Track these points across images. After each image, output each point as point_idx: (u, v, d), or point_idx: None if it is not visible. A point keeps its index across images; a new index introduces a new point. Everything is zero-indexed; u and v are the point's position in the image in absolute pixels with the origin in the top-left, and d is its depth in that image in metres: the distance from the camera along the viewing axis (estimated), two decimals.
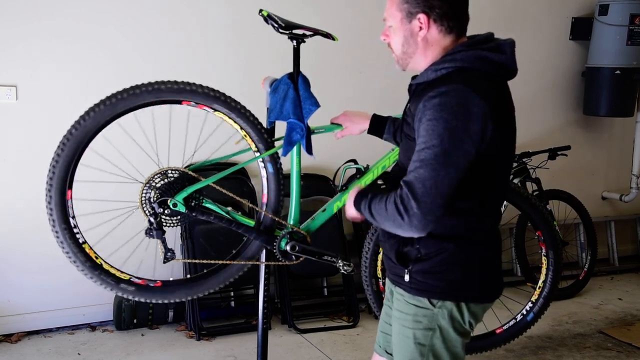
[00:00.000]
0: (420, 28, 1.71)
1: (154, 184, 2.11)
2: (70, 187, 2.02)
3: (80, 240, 2.06)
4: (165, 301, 2.21)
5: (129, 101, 2.01)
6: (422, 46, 1.74)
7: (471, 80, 1.62)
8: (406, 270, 1.77)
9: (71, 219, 2.04)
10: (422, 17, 1.70)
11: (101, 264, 2.11)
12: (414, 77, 1.80)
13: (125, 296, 2.15)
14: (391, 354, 1.95)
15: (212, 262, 2.27)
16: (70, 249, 2.05)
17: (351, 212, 1.84)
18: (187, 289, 2.23)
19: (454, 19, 1.71)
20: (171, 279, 2.25)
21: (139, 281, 2.15)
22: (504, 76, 1.73)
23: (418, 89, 1.75)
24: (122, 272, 2.15)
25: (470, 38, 1.76)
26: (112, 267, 2.13)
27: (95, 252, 2.11)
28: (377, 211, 1.69)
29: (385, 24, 1.79)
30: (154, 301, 2.19)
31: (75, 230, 2.05)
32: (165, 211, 2.11)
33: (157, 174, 2.12)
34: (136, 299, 2.16)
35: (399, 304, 1.83)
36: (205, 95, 2.10)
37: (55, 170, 1.99)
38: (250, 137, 2.21)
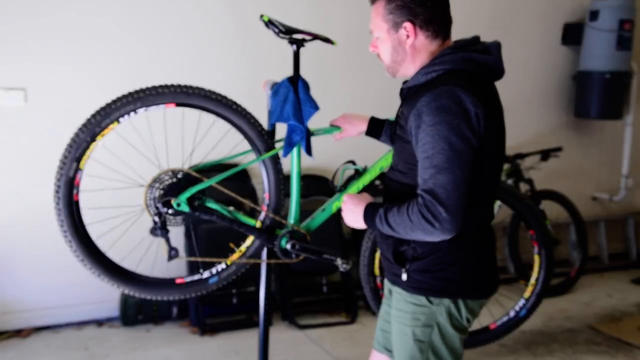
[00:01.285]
0: (408, 36, 1.74)
1: (158, 184, 2.13)
2: (78, 191, 2.05)
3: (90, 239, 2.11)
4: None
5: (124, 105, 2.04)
6: (411, 53, 1.76)
7: (461, 80, 1.65)
8: (404, 270, 1.79)
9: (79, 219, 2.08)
10: (408, 25, 1.73)
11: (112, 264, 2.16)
12: (405, 82, 1.82)
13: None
14: (391, 351, 1.97)
15: (215, 260, 2.30)
16: (80, 249, 2.10)
17: (358, 224, 1.82)
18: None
19: (438, 23, 1.74)
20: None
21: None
22: (491, 77, 1.76)
23: (410, 92, 1.78)
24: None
25: (456, 42, 1.79)
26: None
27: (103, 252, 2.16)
28: (398, 224, 1.68)
29: (372, 35, 1.81)
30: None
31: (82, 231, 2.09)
32: (169, 211, 2.13)
33: (161, 174, 2.14)
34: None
35: (398, 303, 1.85)
36: (208, 98, 2.13)
37: (62, 172, 2.02)
38: (252, 139, 2.23)
